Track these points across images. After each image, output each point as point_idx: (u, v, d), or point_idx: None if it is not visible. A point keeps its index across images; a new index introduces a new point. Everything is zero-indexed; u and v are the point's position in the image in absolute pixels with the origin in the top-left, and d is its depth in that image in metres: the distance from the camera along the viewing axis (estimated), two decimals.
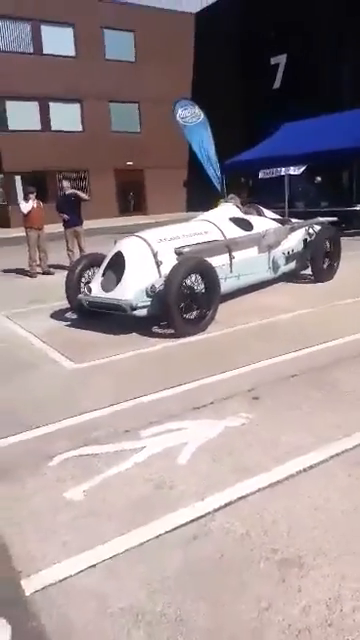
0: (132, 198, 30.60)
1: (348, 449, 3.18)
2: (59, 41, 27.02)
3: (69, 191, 10.89)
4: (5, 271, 11.62)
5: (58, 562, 2.37)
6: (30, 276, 10.60)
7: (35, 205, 10.68)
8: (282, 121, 19.05)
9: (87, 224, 11.34)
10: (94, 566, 2.34)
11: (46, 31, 26.80)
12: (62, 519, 2.69)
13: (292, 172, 15.81)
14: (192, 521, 2.61)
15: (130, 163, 29.51)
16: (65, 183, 11.41)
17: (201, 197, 18.14)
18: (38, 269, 10.64)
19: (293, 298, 7.33)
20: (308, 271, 8.35)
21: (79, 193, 10.96)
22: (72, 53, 27.68)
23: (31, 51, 26.73)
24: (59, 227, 10.80)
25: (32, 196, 10.77)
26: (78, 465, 3.19)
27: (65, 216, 10.46)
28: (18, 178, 26.07)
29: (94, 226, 13.48)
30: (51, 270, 10.59)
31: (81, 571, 2.31)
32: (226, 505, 2.71)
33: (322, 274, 8.16)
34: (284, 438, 3.36)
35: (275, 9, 25.24)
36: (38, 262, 10.74)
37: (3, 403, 4.27)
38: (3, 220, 25.80)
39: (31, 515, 2.74)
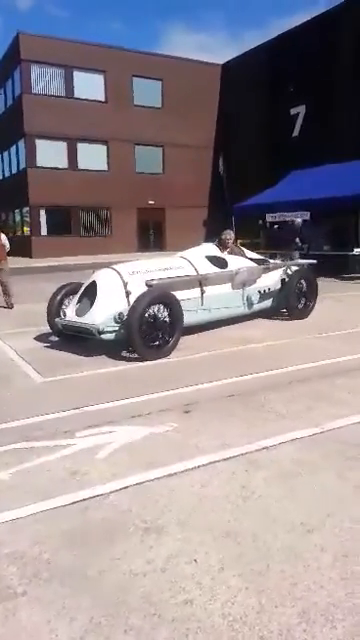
0: (152, 235, 31.72)
1: (242, 454, 3.71)
2: (90, 86, 28.73)
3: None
4: None
5: None
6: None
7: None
8: (300, 168, 19.92)
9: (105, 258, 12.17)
10: None
11: (78, 76, 28.54)
12: None
13: (295, 218, 16.54)
14: (89, 498, 3.17)
15: (152, 202, 30.75)
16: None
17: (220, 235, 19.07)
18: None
19: (264, 332, 7.90)
20: None
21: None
22: (102, 98, 29.35)
23: (63, 94, 28.43)
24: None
25: None
26: (13, 455, 3.77)
27: None
28: (43, 212, 27.46)
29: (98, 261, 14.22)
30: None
31: None
32: (122, 489, 3.27)
33: (296, 312, 8.73)
34: (195, 442, 3.91)
35: (296, 62, 26.54)
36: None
37: None
38: (26, 250, 27.02)
39: None
